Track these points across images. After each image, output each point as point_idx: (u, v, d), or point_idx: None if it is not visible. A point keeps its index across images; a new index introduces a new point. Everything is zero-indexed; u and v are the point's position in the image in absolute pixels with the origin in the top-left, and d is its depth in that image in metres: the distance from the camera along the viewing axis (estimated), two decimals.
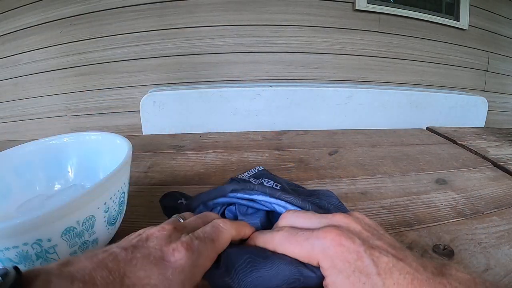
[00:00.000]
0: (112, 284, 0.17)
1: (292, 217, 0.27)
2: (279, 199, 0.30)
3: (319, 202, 0.32)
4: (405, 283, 0.20)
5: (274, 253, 0.24)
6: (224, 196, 0.32)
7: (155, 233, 0.22)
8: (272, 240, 0.25)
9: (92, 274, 0.17)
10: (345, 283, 0.21)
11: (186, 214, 0.28)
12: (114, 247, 0.20)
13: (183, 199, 0.36)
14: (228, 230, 0.24)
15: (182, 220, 0.26)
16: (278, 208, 0.30)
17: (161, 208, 0.37)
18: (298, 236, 0.23)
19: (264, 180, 0.35)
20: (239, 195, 0.31)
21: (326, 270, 0.22)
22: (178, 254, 0.20)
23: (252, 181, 0.36)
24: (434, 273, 0.21)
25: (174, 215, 0.27)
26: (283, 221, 0.27)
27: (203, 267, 0.22)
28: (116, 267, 0.18)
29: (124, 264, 0.18)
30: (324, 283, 0.22)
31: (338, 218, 0.24)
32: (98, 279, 0.17)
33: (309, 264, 0.23)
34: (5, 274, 0.15)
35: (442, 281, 0.20)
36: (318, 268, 0.23)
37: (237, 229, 0.25)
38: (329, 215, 0.25)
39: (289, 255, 0.24)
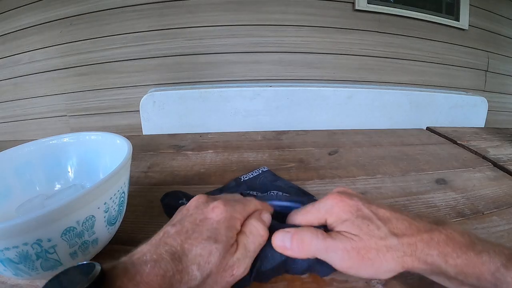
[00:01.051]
0: (176, 252, 0.21)
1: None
2: (292, 201, 0.31)
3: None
4: (403, 227, 0.23)
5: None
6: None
7: (192, 202, 0.26)
8: (296, 217, 0.28)
9: (157, 251, 0.21)
10: (351, 227, 0.24)
11: None
12: (165, 227, 0.24)
13: (184, 199, 0.36)
14: (253, 202, 0.28)
15: None
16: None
17: (161, 208, 0.37)
18: (306, 207, 0.28)
19: (273, 193, 0.36)
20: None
21: (333, 223, 0.25)
22: (217, 210, 0.24)
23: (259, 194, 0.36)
24: (431, 222, 0.24)
25: None
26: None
27: (238, 221, 0.25)
28: (173, 239, 0.22)
29: (178, 235, 0.22)
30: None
31: (336, 189, 0.29)
32: (164, 253, 0.21)
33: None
34: (91, 268, 0.18)
35: (438, 228, 0.23)
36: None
37: (261, 204, 0.29)
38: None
39: (302, 223, 0.27)
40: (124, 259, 0.20)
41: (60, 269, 0.24)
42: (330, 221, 0.25)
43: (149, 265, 0.19)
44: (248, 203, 0.27)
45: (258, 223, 0.26)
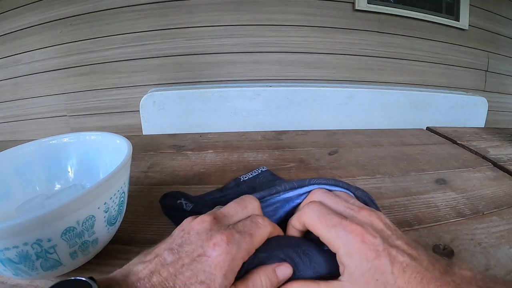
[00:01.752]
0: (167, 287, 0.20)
1: (322, 195, 0.27)
2: (311, 184, 0.29)
3: (348, 187, 0.31)
4: (415, 282, 0.21)
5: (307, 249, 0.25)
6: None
7: (195, 226, 0.23)
8: (303, 213, 0.26)
9: (151, 281, 0.20)
10: (359, 278, 0.22)
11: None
12: (162, 249, 0.22)
13: (183, 199, 0.36)
14: (266, 227, 0.25)
15: (221, 206, 0.27)
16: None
17: (161, 208, 0.37)
18: (328, 220, 0.24)
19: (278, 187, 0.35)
20: (269, 200, 0.30)
21: (344, 260, 0.23)
22: (219, 249, 0.21)
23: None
24: (441, 271, 0.22)
25: (217, 206, 0.27)
26: (313, 196, 0.28)
27: (242, 260, 0.23)
28: (167, 272, 0.20)
29: (173, 268, 0.21)
30: (340, 271, 0.24)
31: (363, 214, 0.25)
32: (156, 285, 0.20)
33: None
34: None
35: (447, 279, 0.22)
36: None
37: (274, 226, 0.26)
38: (355, 208, 0.26)
39: (314, 232, 0.25)
40: (118, 276, 0.20)
41: (60, 269, 0.25)
42: (342, 255, 0.23)
43: None
44: (258, 232, 0.24)
45: (267, 281, 0.23)
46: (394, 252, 0.23)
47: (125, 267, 0.22)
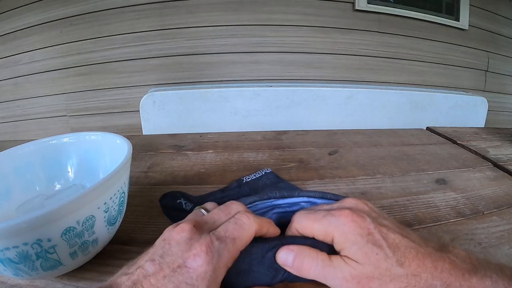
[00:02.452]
0: None
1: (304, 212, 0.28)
2: (300, 196, 0.30)
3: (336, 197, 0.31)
4: (411, 257, 0.22)
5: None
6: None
7: (175, 236, 0.22)
8: (293, 223, 0.26)
9: None
10: (359, 253, 0.23)
11: (209, 205, 0.28)
12: (144, 260, 0.21)
13: (182, 198, 0.36)
14: (251, 226, 0.24)
15: (204, 212, 0.26)
16: (302, 205, 0.30)
17: (160, 209, 0.37)
18: (317, 214, 0.25)
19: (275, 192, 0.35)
20: (258, 205, 0.30)
21: (341, 244, 0.24)
22: (199, 259, 0.21)
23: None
24: (435, 248, 0.23)
25: (197, 207, 0.27)
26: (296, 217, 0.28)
27: (225, 268, 0.22)
28: (149, 284, 0.20)
29: (154, 279, 0.20)
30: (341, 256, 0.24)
31: (348, 201, 0.27)
32: None
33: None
34: None
35: (442, 255, 0.23)
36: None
37: (260, 224, 0.25)
38: (340, 200, 0.28)
39: (307, 231, 0.25)
40: None
41: (60, 269, 0.25)
42: (338, 240, 0.24)
43: None
44: (243, 234, 0.24)
45: None
46: (384, 230, 0.24)
47: (108, 280, 0.21)
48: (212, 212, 0.26)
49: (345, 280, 0.22)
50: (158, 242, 0.23)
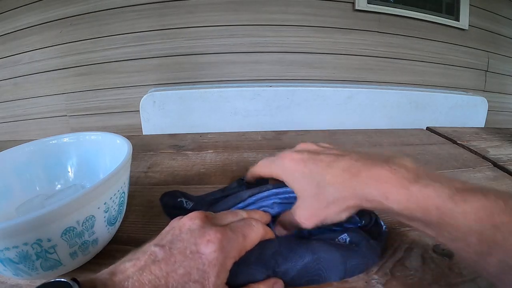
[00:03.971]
0: (159, 286, 0.19)
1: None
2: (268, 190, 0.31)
3: None
4: (343, 173, 0.24)
5: (299, 245, 0.26)
6: (243, 201, 0.31)
7: (187, 223, 0.22)
8: (254, 168, 0.32)
9: (141, 279, 0.18)
10: (302, 186, 0.26)
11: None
12: (153, 246, 0.21)
13: (183, 197, 0.36)
14: (259, 230, 0.25)
15: (211, 213, 0.26)
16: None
17: (161, 208, 0.37)
18: (269, 161, 0.30)
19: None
20: (257, 196, 0.30)
21: (288, 182, 0.27)
22: (212, 246, 0.21)
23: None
24: (378, 161, 0.24)
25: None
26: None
27: (233, 260, 0.22)
28: (159, 269, 0.19)
29: (165, 265, 0.19)
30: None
31: (300, 145, 0.31)
32: (147, 284, 0.18)
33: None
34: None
35: (382, 165, 0.23)
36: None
37: (265, 229, 0.26)
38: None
39: (266, 175, 0.30)
40: (104, 276, 0.19)
41: (60, 269, 0.25)
42: (285, 178, 0.27)
43: None
44: (251, 234, 0.24)
45: None
46: (319, 157, 0.26)
47: (111, 266, 0.20)
48: (220, 213, 0.26)
49: (303, 217, 0.26)
50: (166, 230, 0.23)
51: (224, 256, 0.21)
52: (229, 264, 0.22)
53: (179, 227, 0.22)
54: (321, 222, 0.25)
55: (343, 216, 0.25)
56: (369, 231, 0.30)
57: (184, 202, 0.35)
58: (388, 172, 0.22)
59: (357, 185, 0.23)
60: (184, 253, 0.20)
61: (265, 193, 0.30)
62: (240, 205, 0.31)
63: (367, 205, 0.23)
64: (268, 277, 0.24)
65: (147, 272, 0.19)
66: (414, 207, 0.21)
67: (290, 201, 0.29)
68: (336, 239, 0.28)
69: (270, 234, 0.26)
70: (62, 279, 0.18)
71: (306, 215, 0.26)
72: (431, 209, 0.20)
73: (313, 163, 0.26)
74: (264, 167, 0.30)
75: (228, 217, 0.26)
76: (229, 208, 0.31)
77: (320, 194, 0.24)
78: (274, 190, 0.30)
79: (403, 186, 0.21)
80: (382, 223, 0.31)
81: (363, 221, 0.30)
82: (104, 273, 0.19)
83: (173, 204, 0.35)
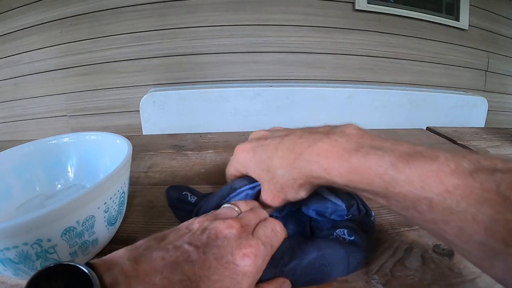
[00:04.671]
0: None
1: None
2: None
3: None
4: (288, 153, 0.24)
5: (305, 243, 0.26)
6: (235, 190, 0.30)
7: (224, 230, 0.22)
8: (226, 171, 0.33)
9: (170, 278, 0.17)
10: (258, 174, 0.27)
11: (240, 204, 0.28)
12: (185, 244, 0.20)
13: (188, 192, 0.36)
14: (282, 235, 0.25)
15: (237, 209, 0.26)
16: None
17: (161, 208, 0.37)
18: (231, 160, 0.31)
19: None
20: (249, 185, 0.30)
21: (248, 172, 0.28)
22: (247, 260, 0.20)
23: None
24: (323, 132, 0.24)
25: (227, 205, 0.27)
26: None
27: (262, 271, 0.22)
28: (192, 271, 0.18)
29: (198, 268, 0.19)
30: None
31: (251, 135, 0.31)
32: (177, 283, 0.17)
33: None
34: (86, 275, 0.15)
35: (322, 139, 0.23)
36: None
37: (285, 232, 0.26)
38: None
39: (232, 175, 0.31)
40: (123, 261, 0.18)
41: None
42: (243, 171, 0.28)
43: None
44: (277, 243, 0.24)
45: None
46: (266, 142, 0.26)
47: (130, 247, 0.19)
48: (247, 214, 0.26)
49: (267, 200, 0.27)
50: (195, 226, 0.23)
51: (257, 270, 0.21)
52: (258, 276, 0.22)
53: (216, 232, 0.22)
54: (286, 200, 0.27)
55: (303, 194, 0.25)
56: (360, 222, 0.29)
57: (189, 195, 0.36)
58: (328, 146, 0.22)
59: (302, 164, 0.23)
60: (220, 260, 0.20)
61: (241, 189, 0.30)
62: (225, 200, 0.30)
63: (316, 181, 0.23)
64: (275, 276, 0.24)
65: (179, 271, 0.18)
66: (357, 179, 0.20)
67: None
68: (335, 234, 0.27)
69: (286, 236, 0.27)
70: (76, 264, 0.15)
71: (268, 198, 0.27)
72: (374, 179, 0.19)
73: (262, 149, 0.26)
74: (229, 168, 0.31)
75: (253, 218, 0.25)
76: (223, 199, 0.30)
77: (273, 178, 0.25)
78: (248, 186, 0.30)
79: (343, 159, 0.20)
80: (372, 214, 0.31)
81: (350, 214, 0.29)
82: (122, 256, 0.18)
83: (178, 196, 0.36)
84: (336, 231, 0.28)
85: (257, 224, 0.25)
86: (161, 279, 0.17)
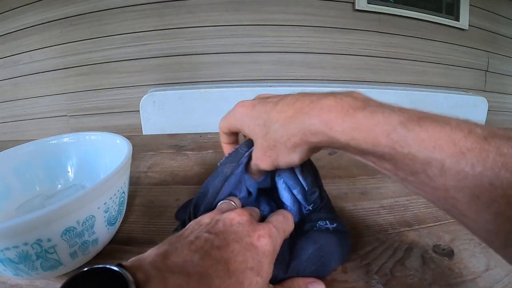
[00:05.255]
0: (221, 271, 0.18)
1: None
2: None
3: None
4: (288, 107, 0.23)
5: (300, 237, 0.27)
6: (224, 180, 0.29)
7: (236, 218, 0.23)
8: (219, 127, 0.32)
9: (201, 264, 0.18)
10: (252, 129, 0.26)
11: (235, 199, 0.28)
12: (205, 233, 0.21)
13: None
14: (293, 224, 0.26)
15: (234, 204, 0.27)
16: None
17: (161, 208, 0.37)
18: (225, 115, 0.31)
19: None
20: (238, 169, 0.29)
21: (242, 128, 0.28)
22: (263, 240, 0.21)
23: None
24: (325, 94, 0.23)
25: (224, 201, 0.28)
26: None
27: (277, 253, 0.23)
28: (219, 255, 0.19)
29: (223, 251, 0.19)
30: None
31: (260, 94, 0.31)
32: (209, 267, 0.18)
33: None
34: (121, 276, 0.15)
35: (327, 96, 0.22)
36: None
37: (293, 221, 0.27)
38: None
39: (226, 128, 0.31)
40: (151, 258, 0.18)
41: (60, 269, 0.25)
42: (239, 126, 0.28)
43: (192, 280, 0.17)
44: (288, 230, 0.25)
45: None
46: (268, 99, 0.26)
47: (152, 250, 0.19)
48: (246, 207, 0.27)
49: (256, 158, 0.27)
50: (205, 219, 0.24)
51: (273, 249, 0.22)
52: (275, 256, 0.23)
53: (229, 219, 0.23)
54: (275, 163, 0.26)
55: (295, 158, 0.24)
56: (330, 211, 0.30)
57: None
58: (333, 102, 0.20)
59: (301, 119, 0.22)
60: (240, 242, 0.21)
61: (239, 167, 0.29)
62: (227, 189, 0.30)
63: (312, 139, 0.21)
64: (283, 278, 0.25)
65: (208, 257, 0.18)
66: (361, 137, 0.18)
67: None
68: (318, 226, 0.28)
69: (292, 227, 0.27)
70: (107, 266, 0.16)
71: (258, 155, 0.26)
72: (381, 137, 0.17)
73: (261, 105, 0.26)
74: (223, 122, 0.31)
75: (251, 209, 0.26)
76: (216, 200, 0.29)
77: (268, 134, 0.24)
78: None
79: (347, 114, 0.19)
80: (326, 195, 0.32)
81: (311, 200, 0.29)
82: (150, 254, 0.18)
83: (184, 205, 0.36)
84: (319, 223, 0.28)
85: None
86: (193, 266, 0.17)
